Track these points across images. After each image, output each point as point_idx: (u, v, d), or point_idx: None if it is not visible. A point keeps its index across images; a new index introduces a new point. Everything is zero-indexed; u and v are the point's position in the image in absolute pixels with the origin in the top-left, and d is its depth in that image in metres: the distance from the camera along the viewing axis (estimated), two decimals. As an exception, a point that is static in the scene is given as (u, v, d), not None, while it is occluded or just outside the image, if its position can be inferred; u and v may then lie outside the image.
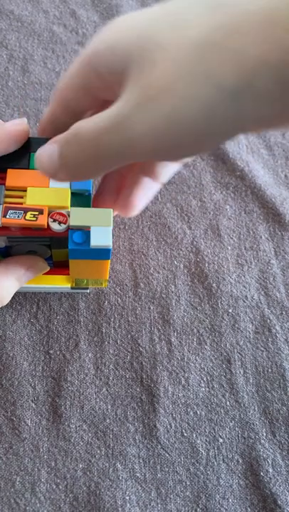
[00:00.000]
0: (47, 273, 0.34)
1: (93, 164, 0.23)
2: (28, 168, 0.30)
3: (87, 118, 0.23)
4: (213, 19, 0.20)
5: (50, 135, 0.28)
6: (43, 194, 0.29)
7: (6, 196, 0.29)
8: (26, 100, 0.46)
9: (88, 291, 0.38)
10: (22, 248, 0.32)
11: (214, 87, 0.19)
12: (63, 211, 0.29)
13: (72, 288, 0.36)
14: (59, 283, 0.36)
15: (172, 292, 0.39)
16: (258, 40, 0.19)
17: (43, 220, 0.28)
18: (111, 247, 0.29)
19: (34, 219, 0.28)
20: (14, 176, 0.29)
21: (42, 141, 0.31)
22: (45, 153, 0.25)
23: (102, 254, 0.29)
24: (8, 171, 0.29)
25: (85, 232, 0.28)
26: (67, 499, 0.31)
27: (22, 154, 0.30)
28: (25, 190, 0.29)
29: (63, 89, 0.26)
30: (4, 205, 0.28)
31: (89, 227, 0.28)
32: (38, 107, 0.46)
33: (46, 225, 0.28)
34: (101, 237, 0.28)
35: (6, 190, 0.29)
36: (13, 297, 0.37)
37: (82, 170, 0.24)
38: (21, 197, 0.29)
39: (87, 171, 0.24)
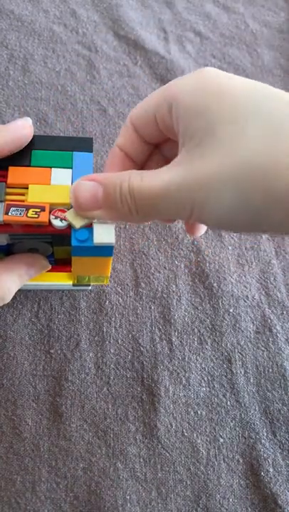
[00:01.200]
0: (48, 271, 0.34)
1: (135, 216, 0.26)
2: (29, 166, 0.30)
3: (138, 172, 0.26)
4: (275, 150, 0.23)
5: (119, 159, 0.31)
6: (45, 191, 0.29)
7: (8, 194, 0.29)
8: (27, 100, 0.46)
9: (90, 288, 0.38)
10: (23, 246, 0.32)
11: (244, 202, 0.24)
12: (65, 208, 0.29)
13: (74, 285, 0.36)
14: (60, 280, 0.36)
15: (173, 292, 0.39)
16: None
17: (44, 217, 0.28)
18: (114, 244, 0.29)
19: (36, 216, 0.28)
20: (16, 174, 0.29)
21: (44, 138, 0.31)
22: (88, 191, 0.27)
23: (105, 251, 0.29)
24: (10, 168, 0.29)
25: (88, 229, 0.28)
26: (68, 498, 0.31)
27: (23, 152, 0.30)
28: (27, 188, 0.29)
29: (138, 111, 0.29)
30: (6, 202, 0.28)
31: (91, 224, 0.28)
32: (39, 106, 0.46)
33: (48, 222, 0.28)
34: (104, 234, 0.28)
35: (8, 187, 0.29)
36: (14, 296, 0.37)
37: (124, 216, 0.27)
38: (23, 194, 0.29)
39: (129, 218, 0.27)
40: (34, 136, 0.31)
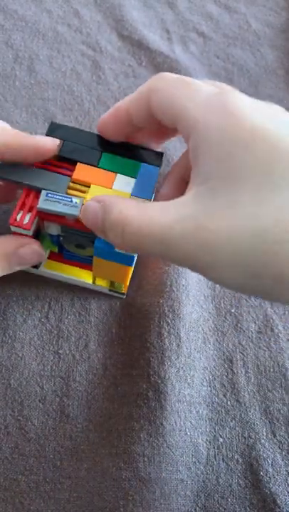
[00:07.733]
0: (76, 265, 0.34)
1: (124, 247, 0.24)
2: (96, 166, 0.29)
3: (136, 204, 0.24)
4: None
5: (110, 130, 0.29)
6: (104, 193, 0.28)
7: (70, 188, 0.28)
8: (34, 100, 0.44)
9: (124, 296, 0.36)
10: (71, 239, 0.31)
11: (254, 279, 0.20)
12: None
13: (110, 290, 0.35)
14: (84, 277, 0.35)
15: (183, 286, 0.36)
16: None
17: None
18: (136, 255, 0.28)
19: None
20: (82, 171, 0.29)
21: (116, 143, 0.30)
22: (90, 210, 0.25)
23: (126, 259, 0.29)
24: (78, 165, 0.29)
25: None
26: (71, 499, 0.29)
27: (95, 151, 0.29)
28: (89, 186, 0.28)
29: (129, 101, 0.26)
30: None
31: None
32: (46, 106, 0.43)
33: None
34: None
35: (72, 182, 0.29)
36: (25, 297, 0.34)
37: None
38: (84, 192, 0.28)
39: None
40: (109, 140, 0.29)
